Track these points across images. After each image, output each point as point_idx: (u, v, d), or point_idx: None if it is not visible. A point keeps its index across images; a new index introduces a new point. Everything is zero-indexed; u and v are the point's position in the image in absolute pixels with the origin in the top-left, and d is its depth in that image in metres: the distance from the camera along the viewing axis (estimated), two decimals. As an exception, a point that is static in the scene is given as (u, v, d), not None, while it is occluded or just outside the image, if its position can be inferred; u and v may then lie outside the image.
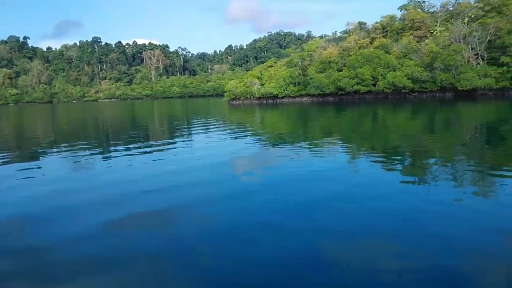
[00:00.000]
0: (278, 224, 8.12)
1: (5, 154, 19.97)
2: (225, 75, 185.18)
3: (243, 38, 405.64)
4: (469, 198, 9.32)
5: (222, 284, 5.88)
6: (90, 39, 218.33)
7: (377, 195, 9.89)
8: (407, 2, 79.76)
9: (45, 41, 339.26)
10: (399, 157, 15.19)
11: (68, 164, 16.62)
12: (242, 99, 75.68)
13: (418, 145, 18.12)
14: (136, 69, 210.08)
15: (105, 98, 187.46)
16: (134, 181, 12.60)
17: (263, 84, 75.10)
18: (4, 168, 16.15)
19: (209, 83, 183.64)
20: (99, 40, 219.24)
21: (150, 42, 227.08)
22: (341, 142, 19.86)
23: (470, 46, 59.64)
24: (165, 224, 8.49)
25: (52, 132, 34.65)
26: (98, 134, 32.26)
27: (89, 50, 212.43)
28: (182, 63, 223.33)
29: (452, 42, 60.61)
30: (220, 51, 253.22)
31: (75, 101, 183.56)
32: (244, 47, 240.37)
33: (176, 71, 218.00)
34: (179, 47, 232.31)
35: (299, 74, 73.00)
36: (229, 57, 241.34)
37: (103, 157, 18.22)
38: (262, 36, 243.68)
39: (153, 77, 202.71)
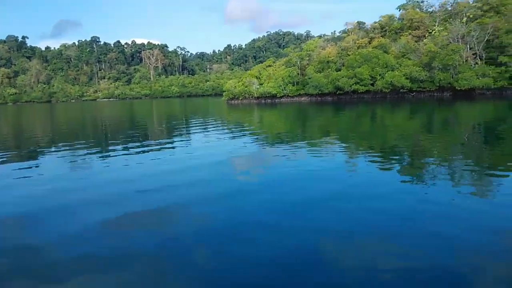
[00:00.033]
0: (276, 224, 8.11)
1: (3, 154, 19.92)
2: (224, 75, 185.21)
3: (242, 38, 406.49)
4: (467, 198, 9.33)
5: (220, 283, 5.88)
6: (89, 39, 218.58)
7: (375, 194, 9.89)
8: (405, 2, 79.77)
9: (44, 40, 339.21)
10: (397, 157, 15.20)
11: (66, 164, 16.58)
12: (240, 98, 75.67)
13: (416, 145, 18.14)
14: (135, 69, 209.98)
15: (104, 98, 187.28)
16: (132, 180, 12.59)
17: (261, 84, 75.08)
18: (1, 167, 16.11)
19: (208, 82, 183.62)
20: (98, 40, 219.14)
21: (149, 42, 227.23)
22: (339, 142, 19.87)
23: (468, 46, 59.75)
24: (163, 224, 8.48)
25: (50, 132, 34.59)
26: (96, 133, 32.21)
27: (87, 50, 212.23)
28: (181, 63, 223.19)
29: (450, 42, 60.72)
30: (219, 50, 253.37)
31: (73, 101, 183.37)
32: (243, 46, 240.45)
33: (175, 71, 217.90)
34: (178, 47, 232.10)
35: (298, 74, 73.02)
36: (228, 56, 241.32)
37: (101, 157, 18.19)
38: (261, 36, 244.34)
39: (152, 77, 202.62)
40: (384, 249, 6.73)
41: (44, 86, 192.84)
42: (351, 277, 5.85)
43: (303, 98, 71.47)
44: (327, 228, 7.76)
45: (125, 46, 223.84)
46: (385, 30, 77.09)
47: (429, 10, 77.52)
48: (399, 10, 78.76)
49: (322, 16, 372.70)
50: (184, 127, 32.73)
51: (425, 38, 67.08)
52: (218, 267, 6.35)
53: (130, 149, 19.85)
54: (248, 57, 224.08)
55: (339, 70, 68.75)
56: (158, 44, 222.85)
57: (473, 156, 14.79)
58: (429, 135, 21.49)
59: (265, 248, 6.96)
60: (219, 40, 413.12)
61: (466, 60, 58.83)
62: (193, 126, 32.75)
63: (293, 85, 71.98)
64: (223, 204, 9.66)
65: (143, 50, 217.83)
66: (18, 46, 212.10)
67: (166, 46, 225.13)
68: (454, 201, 9.04)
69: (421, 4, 79.14)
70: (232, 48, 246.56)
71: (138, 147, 20.85)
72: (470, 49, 59.75)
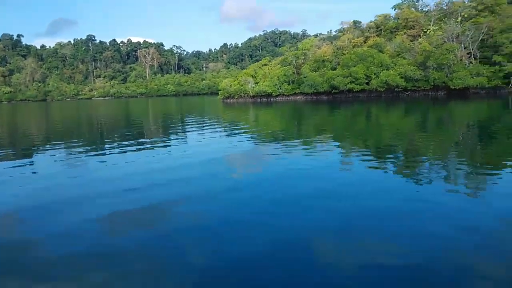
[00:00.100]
0: (267, 222, 8.14)
1: (-4, 152, 19.83)
2: (220, 74, 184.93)
3: (238, 37, 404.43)
4: (460, 197, 9.38)
5: (212, 281, 5.89)
6: (84, 37, 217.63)
7: (368, 193, 9.93)
8: (401, 1, 79.99)
9: (39, 39, 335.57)
10: (391, 156, 15.27)
11: (59, 162, 16.52)
12: (236, 97, 75.62)
13: (410, 144, 18.22)
14: (130, 67, 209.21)
15: (99, 96, 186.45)
16: (124, 179, 12.58)
17: (257, 83, 75.08)
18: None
19: (203, 81, 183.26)
20: (93, 38, 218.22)
21: (145, 40, 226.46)
22: (334, 141, 19.92)
23: (463, 45, 60.05)
24: (154, 221, 8.48)
25: (45, 130, 34.44)
26: (91, 132, 32.12)
27: (83, 48, 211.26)
28: (177, 61, 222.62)
29: (445, 41, 61.00)
30: (215, 49, 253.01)
31: (69, 99, 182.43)
32: (239, 45, 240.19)
33: (171, 70, 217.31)
34: (174, 45, 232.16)
35: (293, 73, 73.06)
36: (224, 55, 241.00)
37: (95, 155, 18.13)
38: (258, 35, 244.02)
39: (147, 75, 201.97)
40: (377, 248, 6.72)
41: (39, 84, 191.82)
42: (344, 275, 5.88)
43: (298, 97, 71.52)
44: (318, 227, 7.79)
45: (120, 44, 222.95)
46: (381, 30, 77.27)
47: (424, 9, 77.93)
48: (395, 10, 79.02)
49: (318, 15, 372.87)
50: (179, 126, 32.70)
51: (420, 38, 67.32)
52: (211, 265, 6.37)
53: (124, 148, 19.81)
54: (244, 56, 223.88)
55: (335, 69, 68.84)
56: (154, 43, 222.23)
57: (467, 155, 14.88)
58: (423, 134, 21.58)
59: (256, 246, 6.98)
60: (215, 39, 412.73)
61: (461, 60, 59.11)
62: (188, 125, 32.72)
63: (289, 84, 72.02)
64: (214, 202, 9.66)
65: (139, 49, 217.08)
66: (13, 44, 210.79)
67: (162, 45, 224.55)
68: (448, 200, 9.09)
69: (416, 3, 79.47)
70: (228, 46, 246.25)
71: (132, 145, 20.81)
72: (464, 48, 60.05)
